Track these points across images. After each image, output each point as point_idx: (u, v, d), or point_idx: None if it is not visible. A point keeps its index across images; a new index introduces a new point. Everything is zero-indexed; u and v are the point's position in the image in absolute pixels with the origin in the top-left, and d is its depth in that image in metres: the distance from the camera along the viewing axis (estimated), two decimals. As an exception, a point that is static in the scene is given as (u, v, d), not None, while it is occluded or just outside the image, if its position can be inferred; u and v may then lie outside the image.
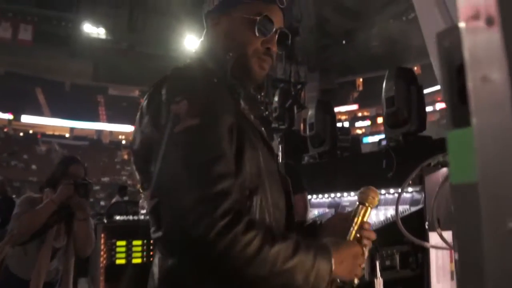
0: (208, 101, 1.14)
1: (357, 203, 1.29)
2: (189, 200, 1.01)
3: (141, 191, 1.25)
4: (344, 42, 25.68)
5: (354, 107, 40.54)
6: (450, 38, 0.43)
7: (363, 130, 38.42)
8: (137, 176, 1.25)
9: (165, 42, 19.69)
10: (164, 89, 1.16)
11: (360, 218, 1.26)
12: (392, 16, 23.46)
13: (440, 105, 26.55)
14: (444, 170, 2.20)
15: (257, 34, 1.30)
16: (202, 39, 1.42)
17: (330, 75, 24.89)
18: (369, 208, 1.27)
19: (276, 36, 1.34)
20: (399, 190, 1.94)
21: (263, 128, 1.35)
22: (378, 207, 2.60)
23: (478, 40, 0.37)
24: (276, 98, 10.27)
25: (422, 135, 2.75)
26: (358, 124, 39.69)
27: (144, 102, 1.24)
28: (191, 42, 18.55)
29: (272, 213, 1.22)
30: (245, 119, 1.26)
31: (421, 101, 2.72)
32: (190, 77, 1.24)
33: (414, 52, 18.14)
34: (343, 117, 36.67)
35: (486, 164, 0.37)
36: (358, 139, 6.98)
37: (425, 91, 2.92)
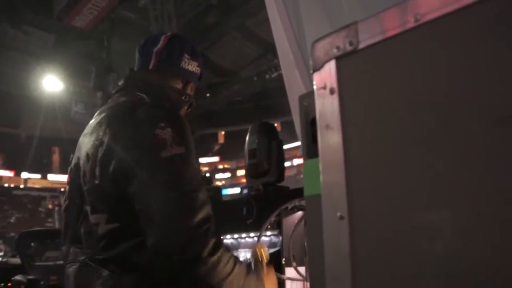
0: (187, 132, 1.29)
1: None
2: (182, 223, 1.14)
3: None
4: (208, 95, 26.48)
5: (215, 159, 41.34)
6: (308, 100, 0.65)
7: (223, 182, 39.12)
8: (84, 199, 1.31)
9: (21, 81, 18.31)
10: (141, 114, 1.26)
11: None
12: (256, 74, 24.79)
13: (298, 161, 27.86)
14: (299, 213, 2.48)
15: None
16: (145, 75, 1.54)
17: (193, 126, 25.27)
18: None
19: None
20: (259, 234, 2.18)
21: None
22: (239, 249, 2.80)
23: (325, 102, 0.59)
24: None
25: (280, 185, 3.05)
26: (219, 176, 40.37)
27: (95, 123, 1.34)
28: (50, 84, 17.52)
29: None
30: None
31: (281, 154, 3.03)
32: (166, 107, 1.38)
33: (276, 109, 19.44)
34: (205, 169, 37.06)
35: (326, 182, 0.58)
36: (219, 189, 7.34)
37: (284, 146, 3.25)
